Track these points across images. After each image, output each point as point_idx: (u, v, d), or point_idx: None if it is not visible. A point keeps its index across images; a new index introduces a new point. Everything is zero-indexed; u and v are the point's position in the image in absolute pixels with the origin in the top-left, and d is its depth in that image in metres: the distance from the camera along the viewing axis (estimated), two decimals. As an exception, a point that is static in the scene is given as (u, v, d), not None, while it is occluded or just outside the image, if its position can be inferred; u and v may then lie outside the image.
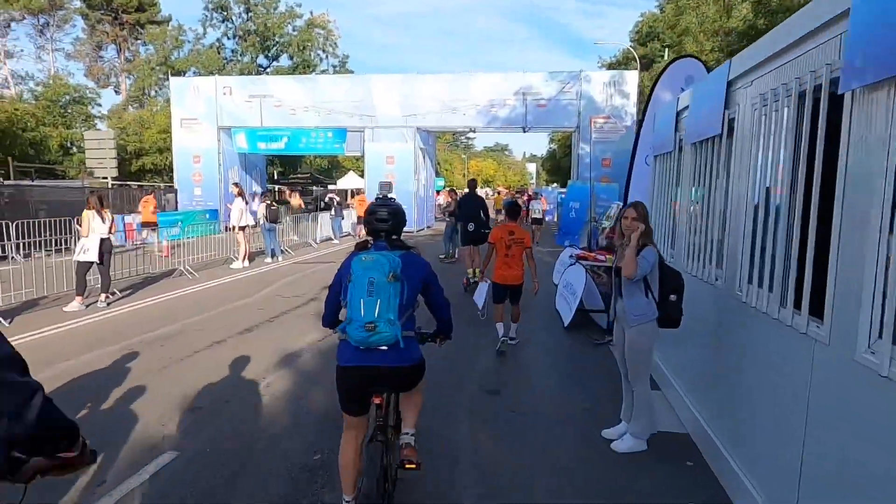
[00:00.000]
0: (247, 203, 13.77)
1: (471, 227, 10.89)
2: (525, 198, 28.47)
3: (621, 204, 15.46)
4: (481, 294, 7.62)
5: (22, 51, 54.83)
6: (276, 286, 11.03)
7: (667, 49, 33.65)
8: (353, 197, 26.55)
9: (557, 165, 57.67)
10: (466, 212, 11.19)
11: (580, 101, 23.03)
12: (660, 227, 6.22)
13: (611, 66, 41.00)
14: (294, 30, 41.48)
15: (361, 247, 3.09)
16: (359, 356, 2.85)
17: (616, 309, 4.40)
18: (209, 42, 41.87)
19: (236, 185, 13.98)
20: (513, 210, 7.23)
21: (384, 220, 3.11)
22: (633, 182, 7.67)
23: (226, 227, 13.83)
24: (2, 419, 1.28)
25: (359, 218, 18.74)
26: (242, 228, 13.38)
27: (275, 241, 14.54)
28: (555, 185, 41.07)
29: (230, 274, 12.40)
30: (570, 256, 10.22)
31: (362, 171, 28.19)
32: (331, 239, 20.05)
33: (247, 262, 13.53)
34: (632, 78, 23.26)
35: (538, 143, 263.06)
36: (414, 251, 3.13)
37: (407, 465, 3.06)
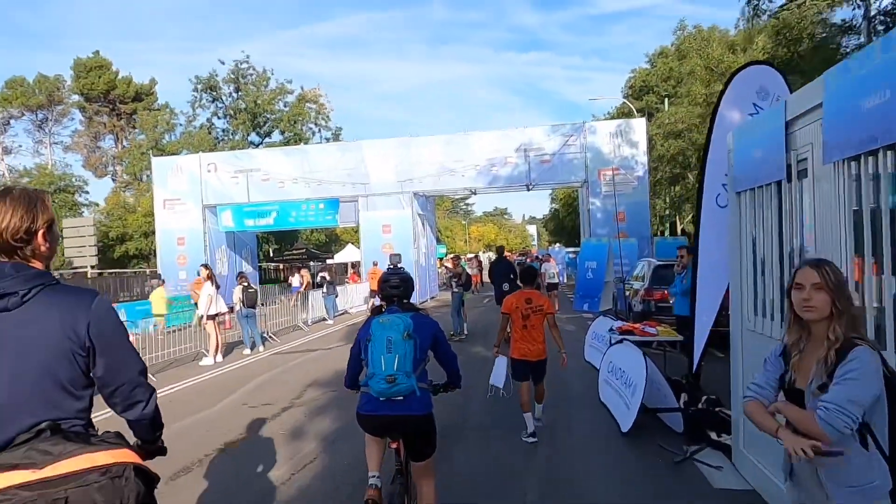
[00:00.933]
0: (217, 287, 11.83)
1: (505, 286, 11.81)
2: (529, 259, 26.76)
3: (654, 261, 13.48)
4: (499, 373, 6.16)
5: (20, 146, 54.63)
6: (245, 389, 8.90)
7: (666, 99, 32.73)
8: (353, 269, 24.69)
9: (561, 225, 56.26)
10: (499, 274, 12.60)
11: (586, 153, 21.56)
12: (767, 293, 4.21)
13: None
14: (285, 105, 41.01)
15: (377, 311, 3.51)
16: (378, 406, 3.21)
17: (795, 465, 2.30)
18: (200, 123, 41.33)
19: (205, 266, 12.08)
20: (529, 274, 6.17)
21: (396, 286, 3.51)
22: (705, 229, 5.72)
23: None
24: (143, 404, 1.93)
25: (372, 292, 18.84)
26: (213, 317, 11.38)
27: (255, 328, 12.51)
28: (557, 245, 39.36)
29: (198, 373, 10.29)
30: (611, 330, 8.14)
31: (360, 242, 26.62)
32: (325, 319, 17.99)
33: (220, 357, 11.44)
34: (639, 126, 21.89)
35: (538, 205, 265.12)
36: (423, 312, 3.52)
37: None
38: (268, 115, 40.30)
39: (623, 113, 37.83)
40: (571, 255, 40.17)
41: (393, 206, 22.63)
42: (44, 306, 1.74)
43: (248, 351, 12.29)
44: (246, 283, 12.47)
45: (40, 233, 1.83)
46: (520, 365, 5.83)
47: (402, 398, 3.13)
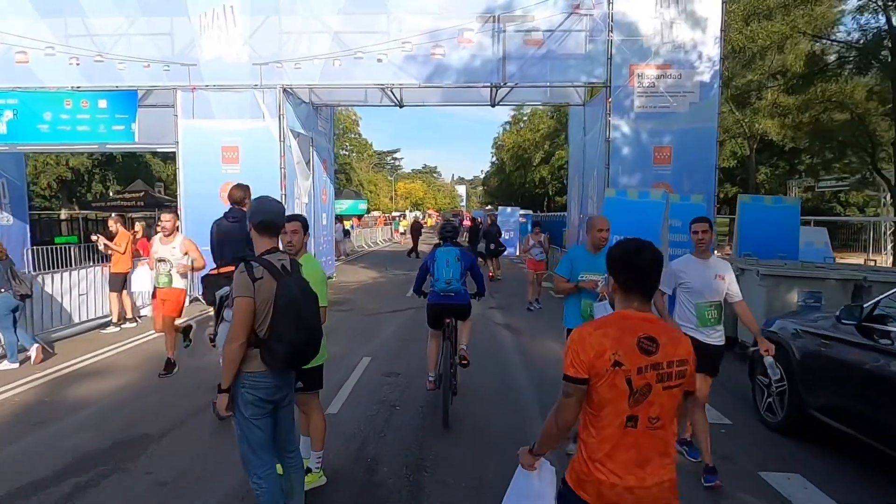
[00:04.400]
0: None
1: (491, 246, 15.54)
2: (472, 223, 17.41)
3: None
4: None
5: None
6: None
7: None
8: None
9: (508, 181, 46.71)
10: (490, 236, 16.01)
11: (609, 34, 11.58)
12: None
13: None
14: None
15: (437, 245, 5.83)
16: (440, 298, 5.46)
17: None
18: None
19: None
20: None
21: (451, 231, 5.80)
22: None
23: None
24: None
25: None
26: None
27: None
28: (510, 207, 29.96)
29: None
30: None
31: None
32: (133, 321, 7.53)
33: None
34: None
35: (470, 166, 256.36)
36: (464, 247, 6.06)
37: (462, 362, 5.58)
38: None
39: None
40: (522, 220, 30.93)
41: (244, 110, 11.94)
42: None
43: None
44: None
45: None
46: None
47: (453, 293, 5.41)
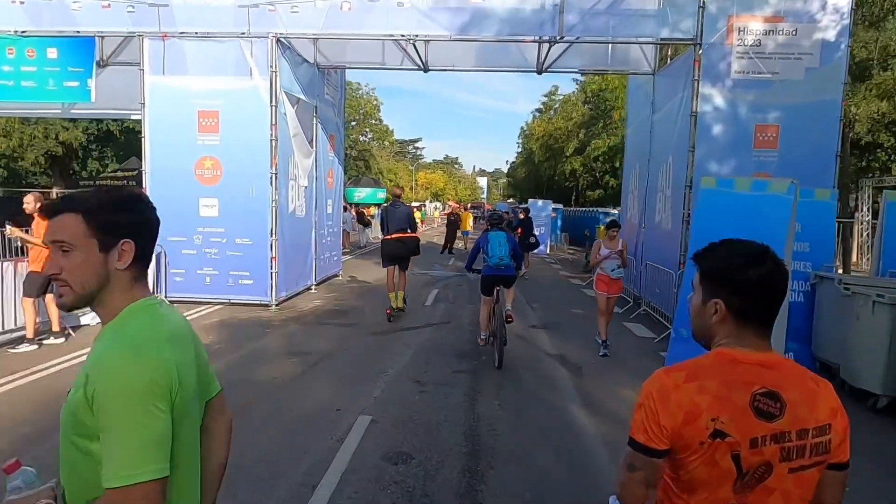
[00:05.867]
0: None
1: (531, 239, 14.70)
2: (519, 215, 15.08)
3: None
4: None
5: None
6: None
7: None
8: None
9: (536, 172, 43.68)
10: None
11: (701, -24, 8.81)
12: None
13: None
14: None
15: (487, 229, 7.39)
16: (493, 271, 6.88)
17: None
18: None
19: None
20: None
21: (499, 219, 7.53)
22: None
23: None
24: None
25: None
26: None
27: None
28: (541, 200, 27.01)
29: None
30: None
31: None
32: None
33: None
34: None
35: (492, 157, 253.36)
36: (507, 230, 7.87)
37: (507, 320, 6.72)
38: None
39: None
40: (553, 215, 28.22)
41: (227, 66, 9.41)
42: None
43: None
44: None
45: None
46: None
47: (504, 267, 6.85)
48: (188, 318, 11.12)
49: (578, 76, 40.73)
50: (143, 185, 9.57)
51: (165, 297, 9.36)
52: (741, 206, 6.96)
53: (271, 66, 9.28)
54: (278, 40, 9.33)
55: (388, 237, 8.86)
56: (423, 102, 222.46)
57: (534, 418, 5.13)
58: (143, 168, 9.66)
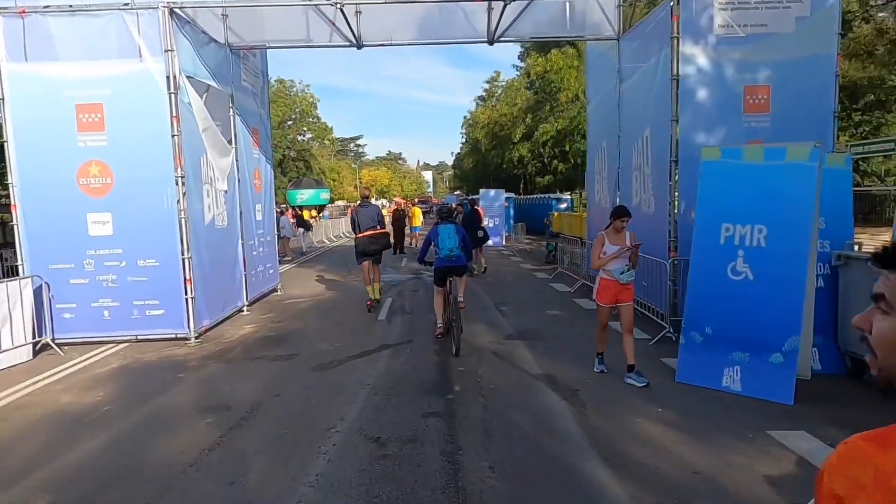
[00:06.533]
0: None
1: (479, 233, 13.46)
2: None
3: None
4: None
5: None
6: None
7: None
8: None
9: (483, 162, 42.41)
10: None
11: (673, -84, 7.56)
12: None
13: None
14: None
15: (437, 223, 7.83)
16: (445, 262, 7.34)
17: None
18: None
19: None
20: None
21: (447, 212, 8.08)
22: None
23: None
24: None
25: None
26: None
27: None
28: (493, 191, 25.53)
29: None
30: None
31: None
32: None
33: None
34: None
35: (435, 151, 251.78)
36: (456, 222, 8.89)
37: (460, 307, 7.23)
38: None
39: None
40: (505, 204, 26.95)
41: (109, 47, 7.55)
42: None
43: None
44: None
45: None
46: None
47: (454, 258, 7.30)
48: (81, 364, 8.19)
49: (519, 62, 39.75)
50: (13, 202, 7.61)
51: (52, 339, 7.46)
52: (754, 180, 5.79)
53: (166, 45, 7.48)
54: (172, 12, 7.52)
55: (361, 235, 9.52)
56: (362, 101, 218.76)
57: (540, 486, 3.72)
58: (9, 181, 7.68)
